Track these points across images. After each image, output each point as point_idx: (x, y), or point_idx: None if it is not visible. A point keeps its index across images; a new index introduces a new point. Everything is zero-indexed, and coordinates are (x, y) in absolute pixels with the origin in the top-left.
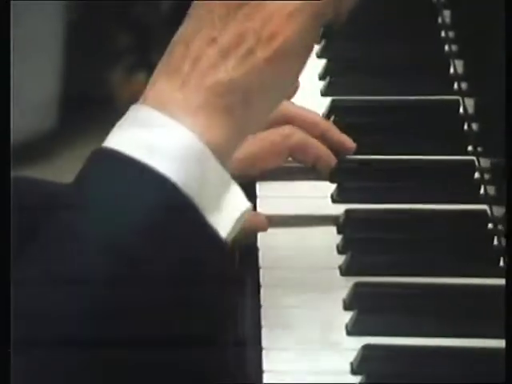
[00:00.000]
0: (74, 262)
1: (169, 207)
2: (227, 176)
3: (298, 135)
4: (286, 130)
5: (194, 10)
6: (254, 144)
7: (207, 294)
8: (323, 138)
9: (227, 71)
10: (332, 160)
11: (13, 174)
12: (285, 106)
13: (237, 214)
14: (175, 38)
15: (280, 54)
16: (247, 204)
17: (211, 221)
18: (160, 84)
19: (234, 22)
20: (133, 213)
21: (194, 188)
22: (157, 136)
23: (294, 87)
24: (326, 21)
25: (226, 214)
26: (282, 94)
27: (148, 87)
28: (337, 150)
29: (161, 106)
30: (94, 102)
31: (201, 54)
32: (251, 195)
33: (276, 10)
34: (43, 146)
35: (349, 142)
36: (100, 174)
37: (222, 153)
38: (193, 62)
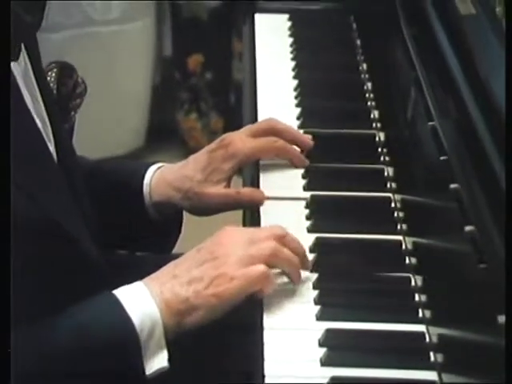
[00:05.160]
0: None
1: (119, 336)
2: (163, 342)
3: (280, 142)
4: (274, 138)
5: (188, 255)
6: (254, 146)
7: None
8: (294, 141)
9: (187, 291)
10: (300, 158)
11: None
12: (273, 121)
13: (161, 365)
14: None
15: (222, 295)
16: (166, 364)
17: (144, 358)
18: (156, 282)
19: (202, 267)
20: (100, 328)
21: (144, 332)
22: (142, 303)
23: None
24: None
25: (154, 363)
26: (215, 316)
27: (150, 279)
28: (302, 147)
29: (154, 292)
30: (166, 129)
31: (178, 274)
32: (257, 181)
33: (226, 272)
34: (135, 156)
35: (308, 141)
36: (96, 301)
37: (167, 329)
38: (171, 277)
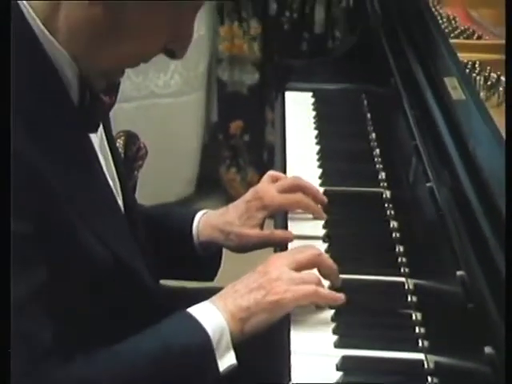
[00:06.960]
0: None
1: (198, 343)
2: (231, 345)
3: (305, 200)
4: (299, 195)
5: (244, 276)
6: (283, 201)
7: None
8: (313, 197)
9: (249, 301)
10: (320, 212)
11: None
12: (298, 179)
13: (230, 362)
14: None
15: (279, 303)
16: (234, 362)
17: (218, 359)
18: (220, 298)
19: (258, 282)
20: (179, 339)
21: (215, 339)
22: (211, 316)
23: None
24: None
25: (227, 360)
26: (271, 321)
27: (215, 297)
28: (317, 202)
29: (220, 307)
30: (211, 181)
31: (238, 289)
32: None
33: (281, 285)
34: (187, 201)
35: (323, 199)
36: (173, 319)
37: (233, 335)
38: (233, 292)
